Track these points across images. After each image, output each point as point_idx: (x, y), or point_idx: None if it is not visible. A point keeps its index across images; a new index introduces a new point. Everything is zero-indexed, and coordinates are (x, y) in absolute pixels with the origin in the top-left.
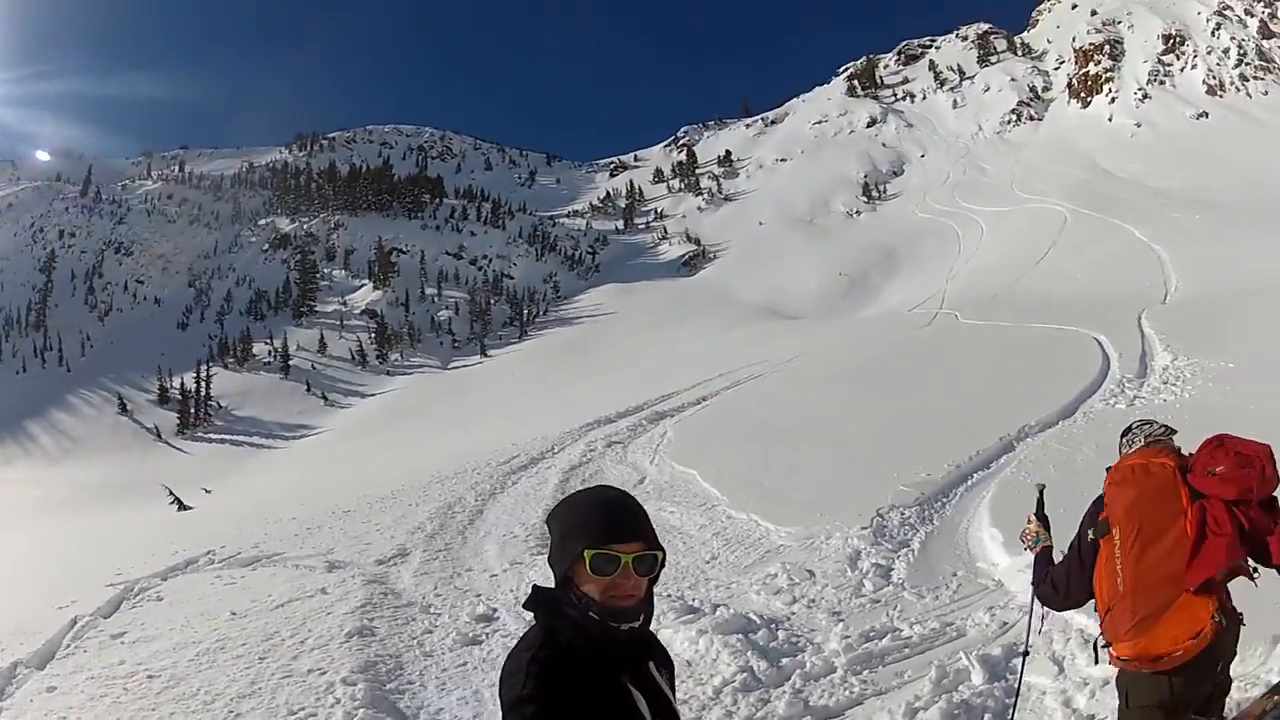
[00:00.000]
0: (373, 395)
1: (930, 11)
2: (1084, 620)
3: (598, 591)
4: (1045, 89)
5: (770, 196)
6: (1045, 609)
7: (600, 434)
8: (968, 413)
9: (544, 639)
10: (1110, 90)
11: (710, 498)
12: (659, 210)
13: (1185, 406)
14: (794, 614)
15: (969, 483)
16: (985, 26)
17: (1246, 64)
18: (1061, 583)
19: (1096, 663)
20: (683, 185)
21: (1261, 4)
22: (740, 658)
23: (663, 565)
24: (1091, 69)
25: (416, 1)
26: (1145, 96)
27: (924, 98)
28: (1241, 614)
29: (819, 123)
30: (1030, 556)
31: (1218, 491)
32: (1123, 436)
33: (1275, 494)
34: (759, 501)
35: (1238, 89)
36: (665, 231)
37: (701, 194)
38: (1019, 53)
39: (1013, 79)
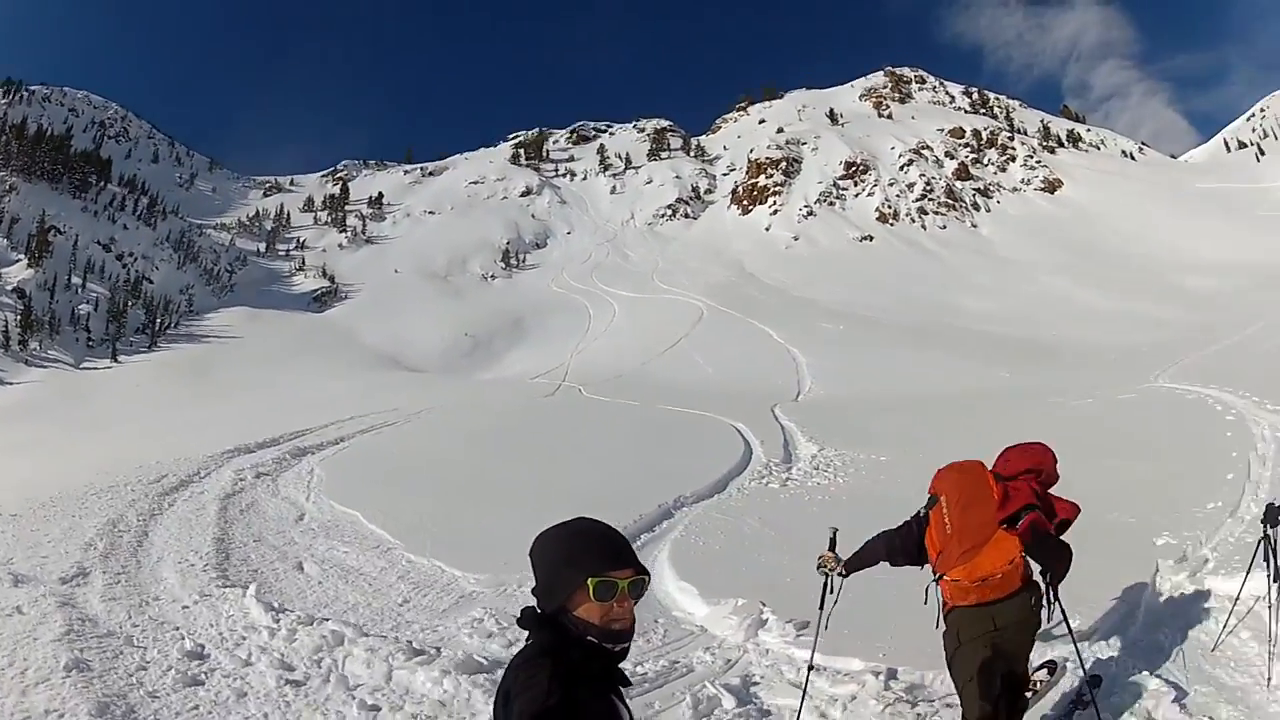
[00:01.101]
0: (11, 384)
1: (623, 99)
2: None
3: (597, 616)
4: (708, 191)
5: (412, 246)
6: (826, 624)
7: (245, 462)
8: (621, 481)
9: (554, 656)
10: (775, 204)
11: (382, 540)
12: (302, 240)
13: (842, 489)
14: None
15: (638, 543)
16: (665, 123)
17: (930, 199)
18: (899, 546)
19: (926, 602)
20: (330, 219)
21: (968, 150)
22: (493, 698)
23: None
24: (761, 181)
25: None
26: (810, 214)
27: (585, 178)
28: (1039, 584)
29: (475, 183)
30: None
31: (1017, 467)
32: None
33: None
34: (437, 547)
35: (913, 219)
36: (304, 263)
37: (346, 231)
38: (691, 154)
39: (677, 176)
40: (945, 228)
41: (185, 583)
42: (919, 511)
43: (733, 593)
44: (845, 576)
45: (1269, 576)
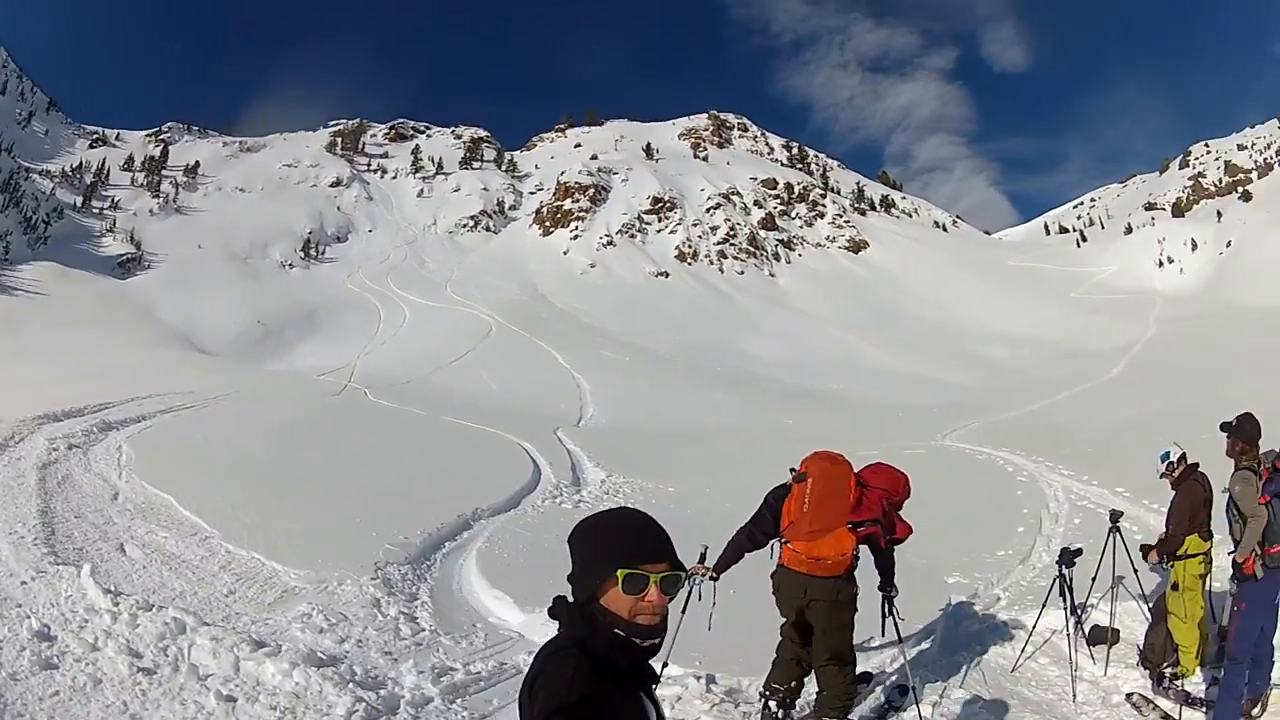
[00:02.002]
0: None
1: (448, 102)
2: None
3: (625, 609)
4: (513, 207)
5: (219, 222)
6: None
7: (56, 431)
8: (421, 486)
9: (580, 648)
10: (578, 229)
11: (198, 528)
12: (116, 200)
13: None
14: (350, 652)
15: (443, 550)
16: (482, 133)
17: (732, 244)
18: (758, 528)
19: (772, 556)
20: (146, 183)
21: (778, 201)
22: (345, 691)
23: (684, 584)
24: (567, 204)
25: None
26: (610, 243)
27: (395, 177)
28: (855, 579)
29: (289, 165)
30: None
31: (876, 483)
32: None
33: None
34: (254, 539)
35: (712, 262)
36: (114, 224)
37: (159, 197)
38: (503, 167)
39: (485, 188)
40: (743, 273)
41: (19, 556)
42: (778, 491)
43: (544, 603)
44: (716, 579)
45: (1066, 611)
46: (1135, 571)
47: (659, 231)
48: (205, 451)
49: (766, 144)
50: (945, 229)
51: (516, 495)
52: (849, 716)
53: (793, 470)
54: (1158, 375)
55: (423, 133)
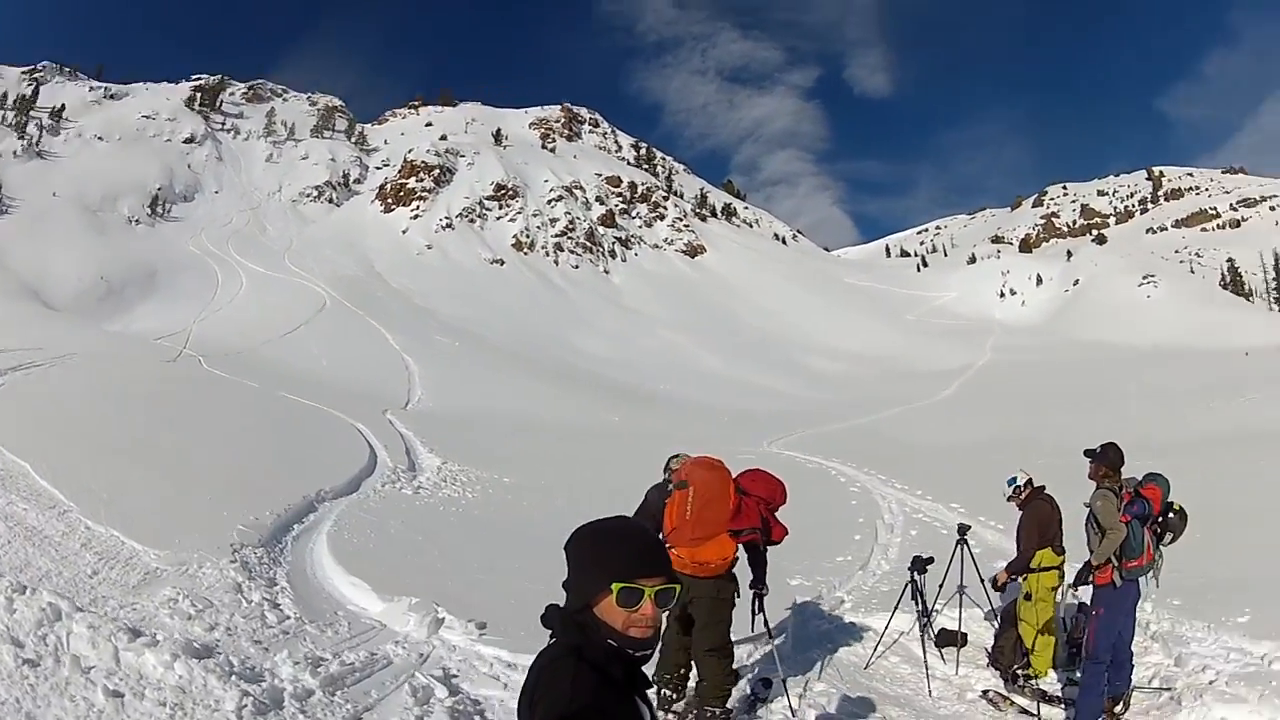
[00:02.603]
0: None
1: (310, 64)
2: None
3: (619, 621)
4: (357, 181)
5: (76, 171)
6: None
7: None
8: (261, 465)
9: (579, 657)
10: (419, 208)
11: (56, 500)
12: None
13: (474, 505)
14: (220, 641)
15: (293, 533)
16: (337, 102)
17: (570, 237)
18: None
19: None
20: (14, 122)
21: (620, 200)
22: (229, 684)
23: (677, 597)
24: (411, 183)
25: None
26: (449, 226)
27: (247, 139)
28: (735, 577)
29: (148, 117)
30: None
31: (755, 491)
32: (674, 458)
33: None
34: (111, 514)
35: (548, 253)
36: None
37: (24, 139)
38: (353, 139)
39: (333, 159)
40: (578, 268)
41: None
42: (662, 490)
43: (401, 591)
44: None
45: (917, 613)
46: (981, 581)
47: (499, 219)
48: (57, 415)
49: (616, 141)
50: (785, 242)
51: (356, 478)
52: (727, 705)
53: (669, 471)
54: (989, 400)
55: (280, 95)
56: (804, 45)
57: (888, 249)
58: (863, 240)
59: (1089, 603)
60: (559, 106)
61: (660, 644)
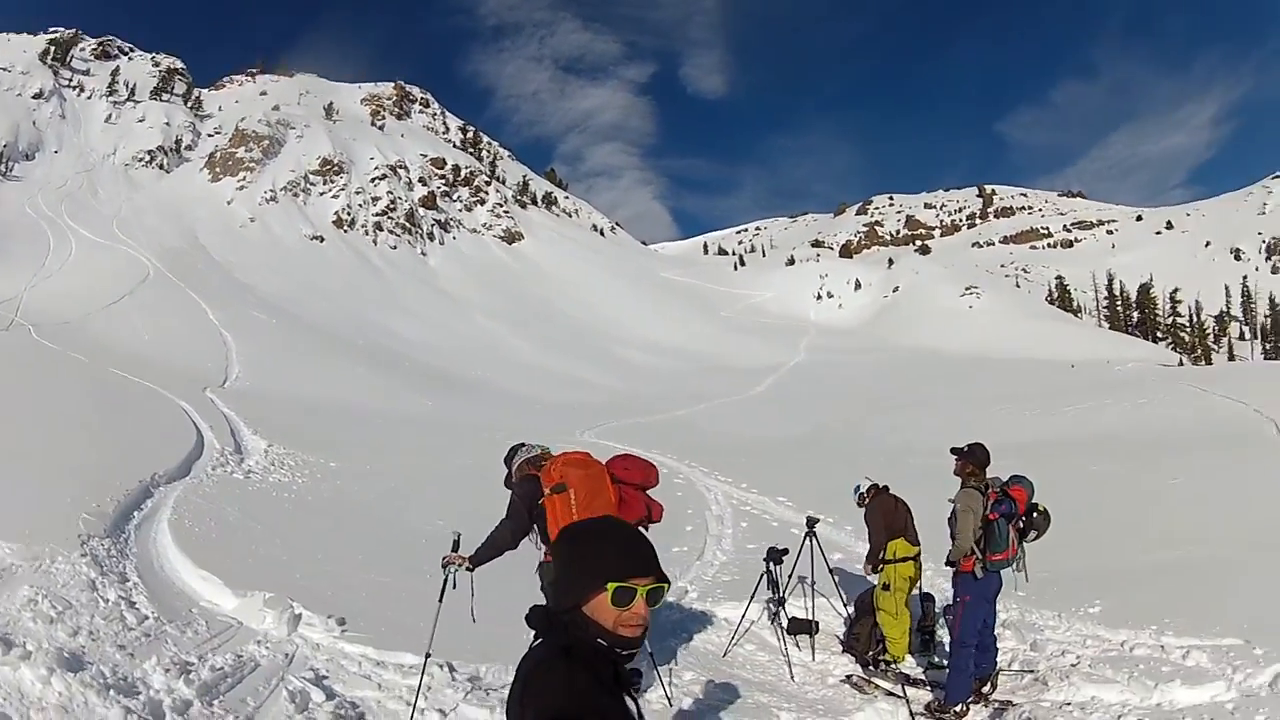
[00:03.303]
0: None
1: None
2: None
3: (610, 620)
4: (189, 147)
5: None
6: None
7: None
8: (95, 445)
9: (568, 657)
10: (245, 179)
11: None
12: None
13: (306, 490)
14: (87, 646)
15: (134, 520)
16: (178, 65)
17: (390, 217)
18: (519, 529)
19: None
20: None
21: (442, 181)
22: (109, 700)
23: (666, 595)
24: (240, 153)
25: None
26: (273, 199)
27: (90, 98)
28: None
29: (4, 69)
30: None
31: (631, 479)
32: (517, 449)
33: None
34: None
35: (367, 232)
36: None
37: None
38: (189, 105)
39: (167, 123)
40: (396, 248)
41: None
42: (540, 495)
43: (252, 585)
44: (472, 570)
45: (773, 603)
46: (830, 572)
47: (322, 194)
48: None
49: (444, 123)
50: (603, 233)
51: (187, 461)
52: None
53: (514, 465)
54: (801, 397)
55: (127, 54)
56: (644, 41)
57: (706, 246)
58: (681, 236)
59: (953, 592)
60: (392, 84)
61: None
